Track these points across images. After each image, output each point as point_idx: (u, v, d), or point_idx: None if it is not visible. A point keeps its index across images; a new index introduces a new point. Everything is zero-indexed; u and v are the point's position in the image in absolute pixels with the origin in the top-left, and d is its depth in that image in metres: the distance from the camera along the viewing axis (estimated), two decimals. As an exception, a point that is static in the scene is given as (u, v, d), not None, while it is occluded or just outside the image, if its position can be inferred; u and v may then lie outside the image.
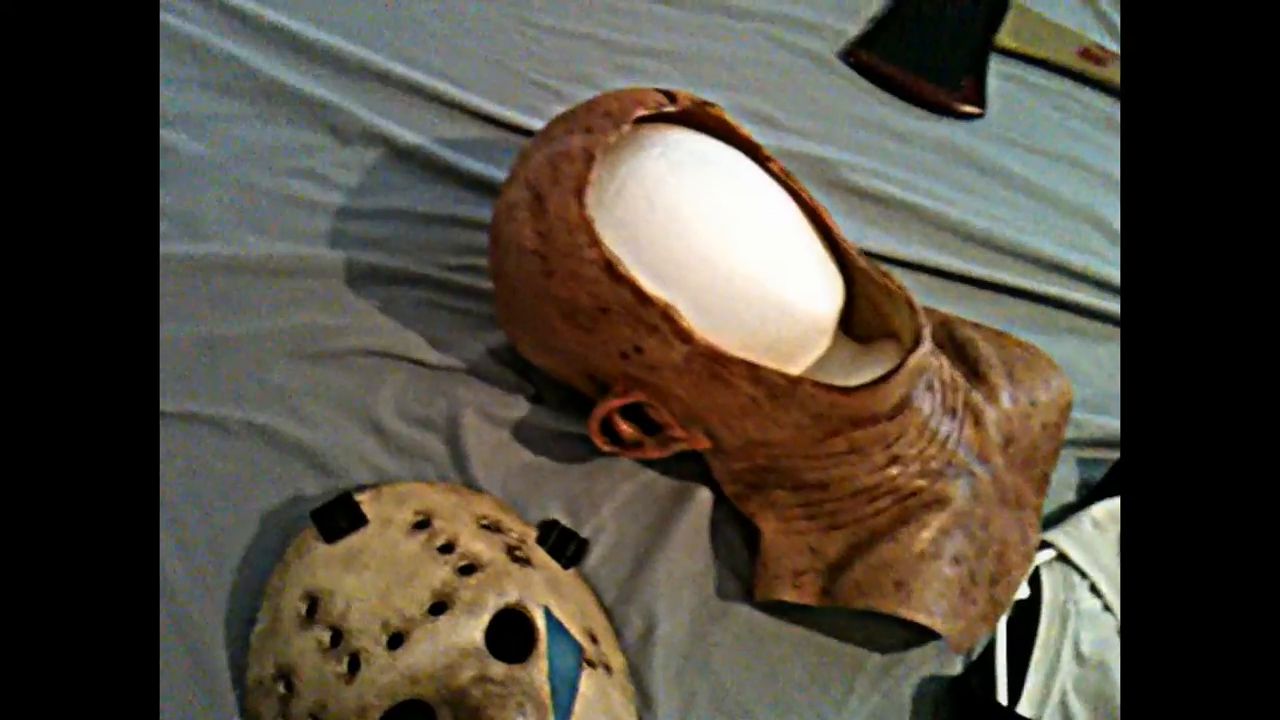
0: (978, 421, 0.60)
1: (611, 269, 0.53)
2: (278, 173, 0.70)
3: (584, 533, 0.60)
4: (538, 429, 0.63)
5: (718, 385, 0.54)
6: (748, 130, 0.60)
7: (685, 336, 0.53)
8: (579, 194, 0.53)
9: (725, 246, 0.55)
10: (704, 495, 0.62)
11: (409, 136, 0.72)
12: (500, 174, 0.71)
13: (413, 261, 0.67)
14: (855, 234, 0.74)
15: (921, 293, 0.72)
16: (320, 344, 0.64)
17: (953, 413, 0.59)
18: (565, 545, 0.58)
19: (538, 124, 0.75)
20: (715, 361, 0.54)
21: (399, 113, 0.74)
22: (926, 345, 0.55)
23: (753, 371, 0.54)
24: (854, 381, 0.59)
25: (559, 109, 0.76)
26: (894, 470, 0.57)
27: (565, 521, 0.60)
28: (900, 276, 0.73)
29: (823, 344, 0.59)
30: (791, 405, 0.54)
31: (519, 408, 0.63)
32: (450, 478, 0.60)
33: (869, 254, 0.73)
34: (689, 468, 0.62)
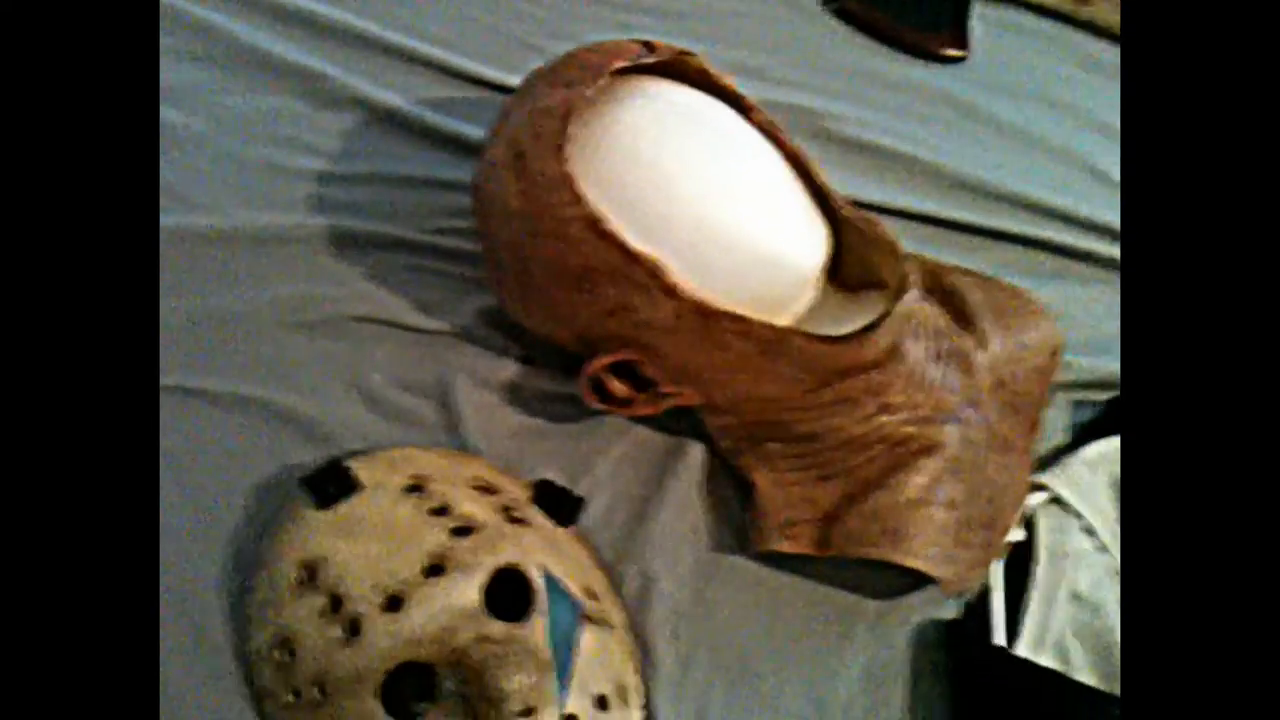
0: (966, 367, 0.60)
1: (595, 226, 0.52)
2: (260, 141, 0.69)
3: (579, 492, 0.60)
4: (529, 391, 0.63)
5: (707, 340, 0.54)
6: (730, 80, 0.59)
7: (673, 292, 0.53)
8: (559, 150, 0.53)
9: (709, 199, 0.54)
10: (697, 451, 0.62)
11: (390, 99, 0.72)
12: (476, 131, 0.71)
13: (398, 226, 0.67)
14: (842, 184, 0.73)
15: (909, 240, 0.72)
16: (309, 312, 0.63)
17: (941, 359, 0.59)
18: (560, 504, 0.58)
19: (512, 80, 0.74)
20: (704, 316, 0.53)
21: (379, 75, 0.73)
22: (913, 292, 0.55)
23: (741, 325, 0.53)
24: (842, 331, 0.59)
25: (534, 61, 0.76)
26: (884, 418, 0.57)
27: (560, 481, 0.60)
28: (888, 225, 0.72)
29: (810, 295, 0.58)
30: (780, 357, 0.54)
31: (510, 370, 0.63)
32: (443, 442, 0.60)
33: (857, 203, 0.73)
34: (681, 424, 0.62)
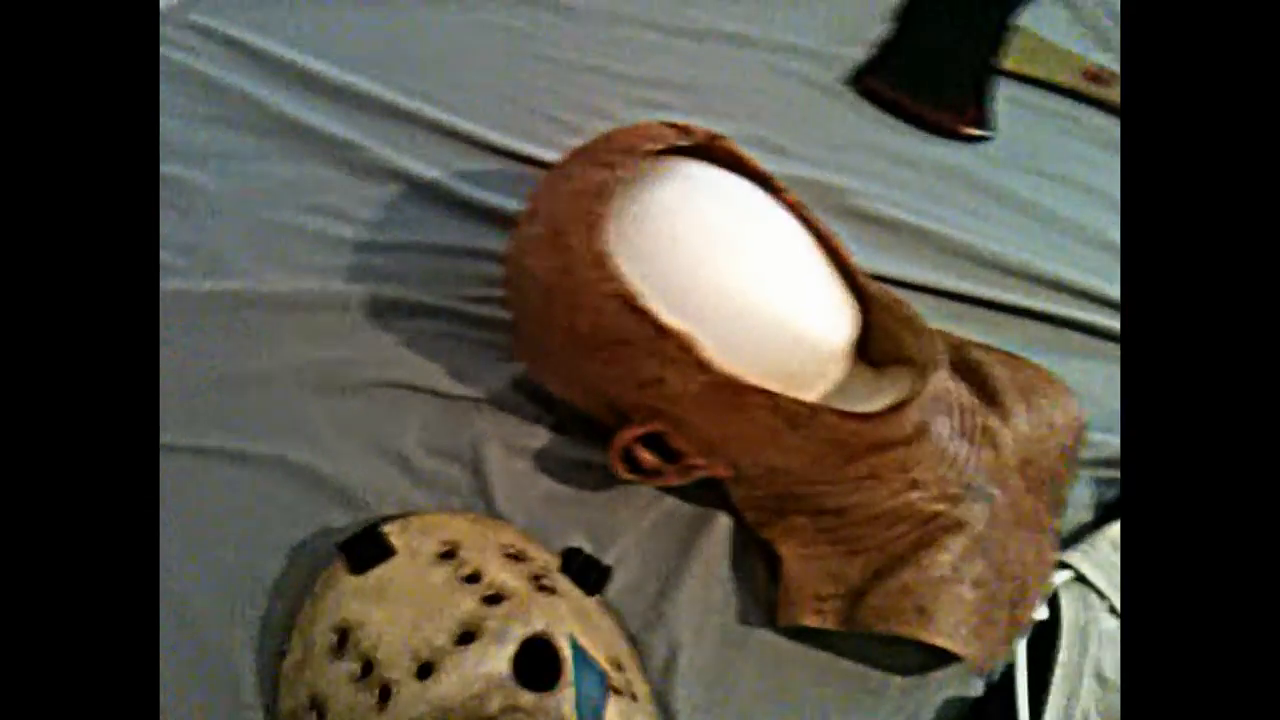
0: (994, 445, 0.61)
1: (630, 301, 0.54)
2: (297, 209, 0.71)
3: (607, 560, 0.61)
4: (560, 458, 0.63)
5: (737, 414, 0.55)
6: (759, 161, 0.61)
7: (704, 367, 0.54)
8: (596, 228, 0.54)
9: (741, 277, 0.56)
10: (724, 522, 0.62)
11: (425, 171, 0.74)
12: (515, 206, 0.73)
13: (432, 294, 0.68)
14: (866, 259, 0.75)
15: (932, 316, 0.73)
16: (343, 377, 0.65)
17: (969, 437, 0.60)
18: (589, 573, 0.59)
19: (551, 156, 0.76)
20: (734, 391, 0.54)
21: (414, 148, 0.75)
22: (943, 370, 0.56)
23: (771, 400, 0.54)
24: (871, 408, 0.60)
25: (572, 141, 0.78)
26: (913, 495, 0.58)
27: (588, 549, 0.61)
28: (911, 300, 0.73)
29: (839, 371, 0.59)
30: (811, 433, 0.55)
31: (541, 437, 0.64)
32: (475, 508, 0.61)
33: (880, 279, 0.74)
34: (709, 495, 0.63)
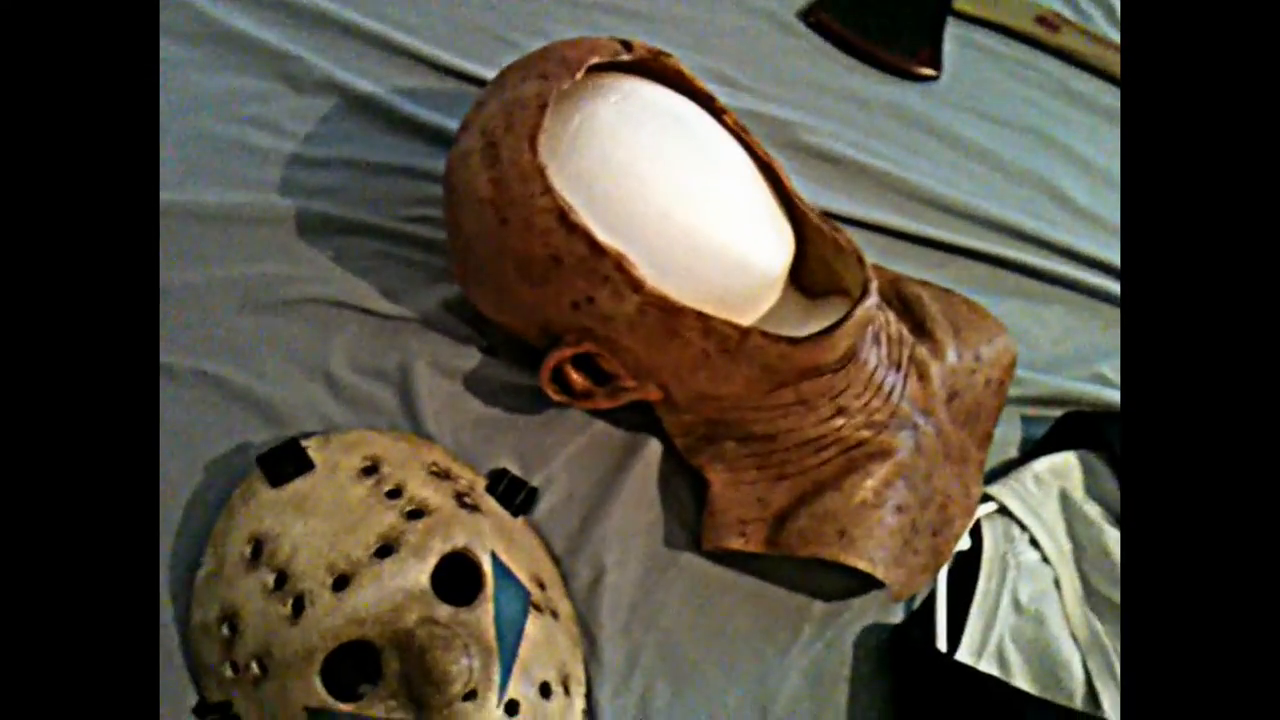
0: (922, 376, 0.61)
1: (564, 217, 0.53)
2: (231, 120, 0.69)
3: (534, 483, 0.60)
4: (490, 381, 0.63)
5: (669, 337, 0.55)
6: (701, 82, 0.60)
7: (637, 286, 0.54)
8: (532, 141, 0.53)
9: (678, 198, 0.55)
10: (654, 447, 0.62)
11: (365, 86, 0.72)
12: (449, 121, 0.71)
13: (367, 211, 0.67)
14: (810, 194, 0.74)
15: (872, 252, 0.73)
16: (273, 293, 0.63)
17: (898, 366, 0.60)
18: (515, 493, 0.58)
19: (488, 73, 0.75)
20: (667, 312, 0.54)
21: (355, 62, 0.73)
22: (873, 298, 0.56)
23: (704, 322, 0.54)
24: (803, 333, 0.60)
25: (508, 57, 0.76)
26: (839, 421, 0.58)
27: (516, 472, 0.60)
28: (852, 235, 0.73)
29: (772, 297, 0.59)
30: (741, 357, 0.55)
31: (472, 359, 0.63)
32: (402, 428, 0.61)
33: (823, 214, 0.73)
34: (640, 421, 0.62)
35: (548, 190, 0.53)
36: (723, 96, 0.78)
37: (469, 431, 0.61)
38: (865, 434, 0.58)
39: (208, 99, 0.70)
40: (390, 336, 0.63)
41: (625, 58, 0.57)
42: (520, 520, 0.58)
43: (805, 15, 0.84)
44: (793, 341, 0.54)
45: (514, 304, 0.57)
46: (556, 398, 0.58)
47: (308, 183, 0.68)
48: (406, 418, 0.61)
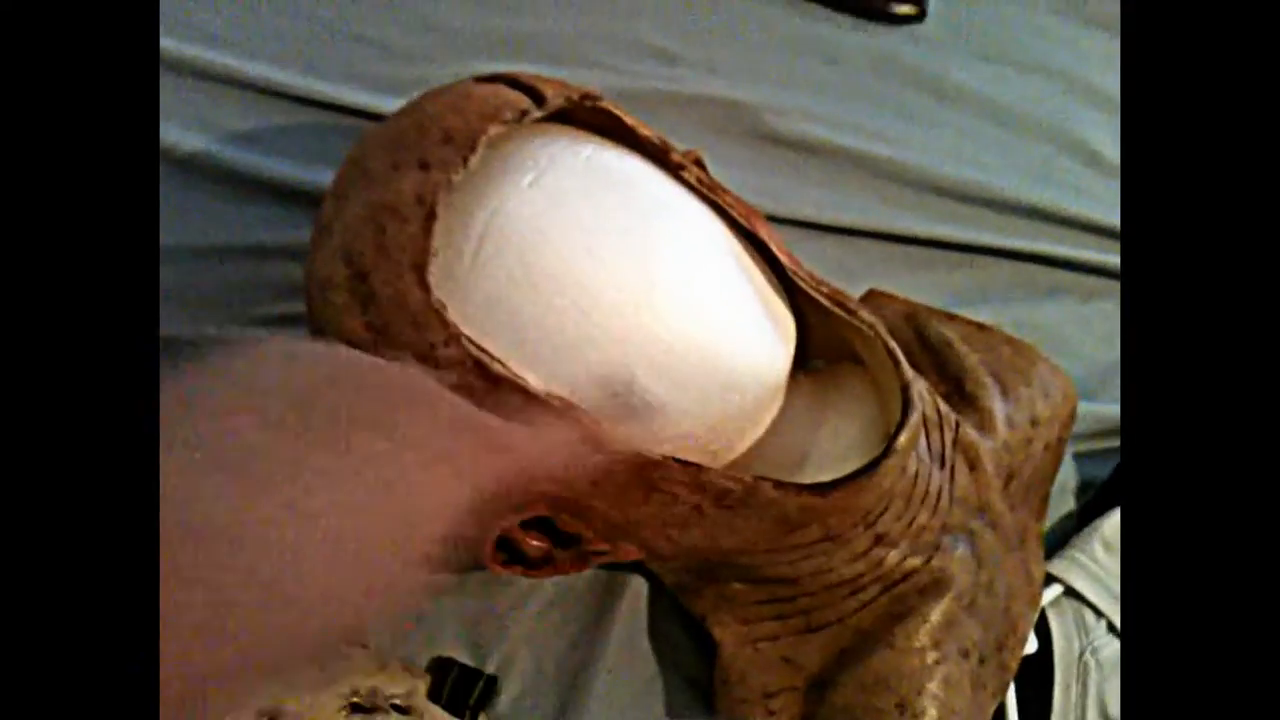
0: (973, 465, 0.48)
1: (483, 369, 0.37)
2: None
3: (490, 667, 0.47)
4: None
5: (647, 494, 0.41)
6: (647, 127, 0.43)
7: (596, 442, 0.39)
8: (419, 271, 0.37)
9: (635, 308, 0.40)
10: (637, 586, 0.50)
11: (188, 139, 0.54)
12: (318, 176, 0.54)
13: (215, 317, 0.51)
14: (787, 196, 0.60)
15: (871, 264, 0.60)
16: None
17: (942, 460, 0.47)
18: (467, 691, 0.46)
19: (362, 97, 0.57)
20: (641, 468, 0.40)
21: (169, 104, 0.55)
22: (918, 412, 0.41)
23: (693, 476, 0.40)
24: (819, 441, 0.46)
25: (386, 69, 0.58)
26: (879, 552, 0.45)
27: (464, 657, 0.47)
28: (841, 247, 0.59)
29: (776, 404, 0.45)
30: (746, 511, 0.41)
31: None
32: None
33: (804, 223, 0.60)
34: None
35: (452, 338, 0.37)
36: (665, 76, 0.62)
37: (398, 612, 0.47)
38: (913, 562, 0.45)
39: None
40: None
41: (537, 115, 0.40)
42: (479, 724, 0.45)
43: (754, -47, 0.66)
44: (817, 490, 0.40)
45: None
46: (505, 571, 0.44)
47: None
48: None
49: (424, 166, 0.38)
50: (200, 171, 0.54)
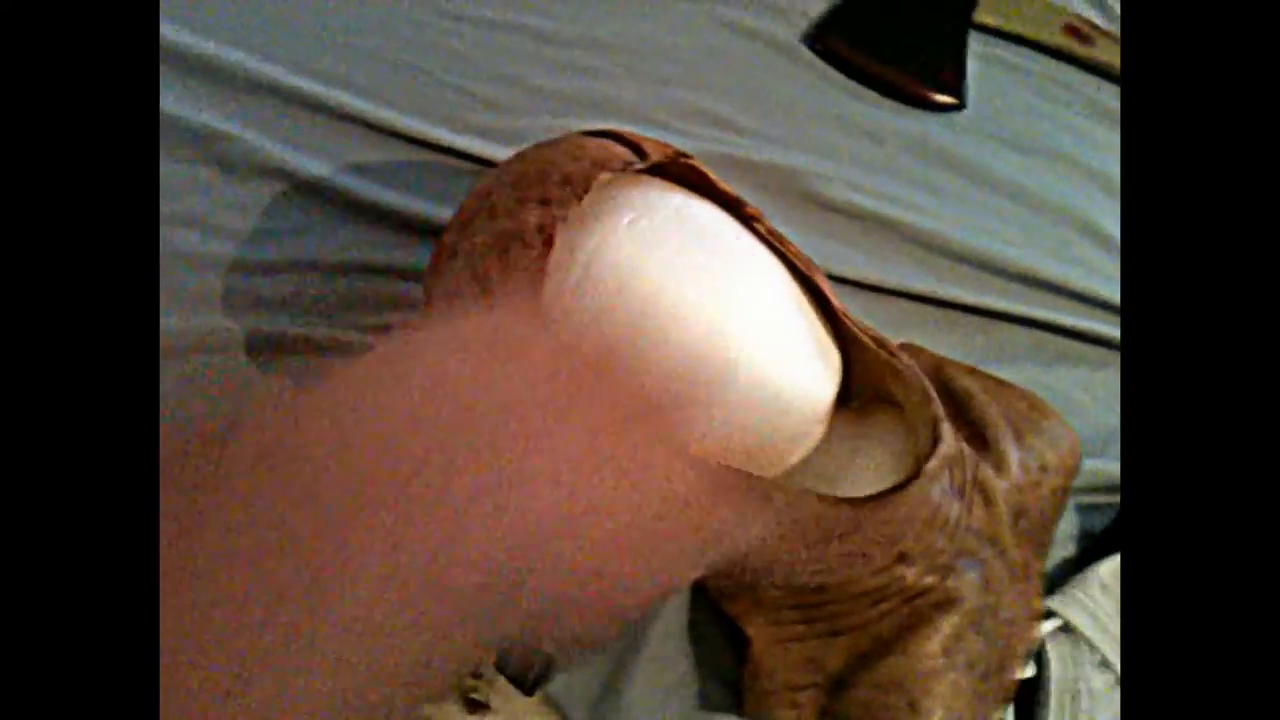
0: (988, 500, 0.54)
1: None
2: (165, 227, 0.58)
3: (545, 648, 0.52)
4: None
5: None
6: (727, 185, 0.51)
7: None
8: (535, 287, 0.44)
9: (709, 335, 0.46)
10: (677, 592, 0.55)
11: (314, 166, 0.61)
12: (426, 206, 0.61)
13: (327, 324, 0.57)
14: (832, 256, 0.66)
15: (904, 321, 0.65)
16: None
17: (961, 492, 0.53)
18: (527, 668, 0.51)
19: (461, 140, 0.64)
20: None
21: (299, 137, 0.62)
22: (946, 445, 0.48)
23: (747, 483, 0.46)
24: (856, 469, 0.52)
25: (489, 120, 0.66)
26: (900, 569, 0.51)
27: (523, 641, 0.52)
28: (876, 304, 0.65)
29: (819, 433, 0.51)
30: (789, 519, 0.47)
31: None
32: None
33: (843, 279, 0.65)
34: (664, 562, 0.55)
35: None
36: (723, 143, 0.69)
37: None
38: (929, 580, 0.51)
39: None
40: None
41: (639, 166, 0.47)
42: (536, 699, 0.51)
43: (811, 40, 0.74)
44: (854, 504, 0.46)
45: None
46: (572, 560, 0.50)
47: (253, 293, 0.57)
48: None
49: (545, 203, 0.45)
50: (321, 195, 0.61)
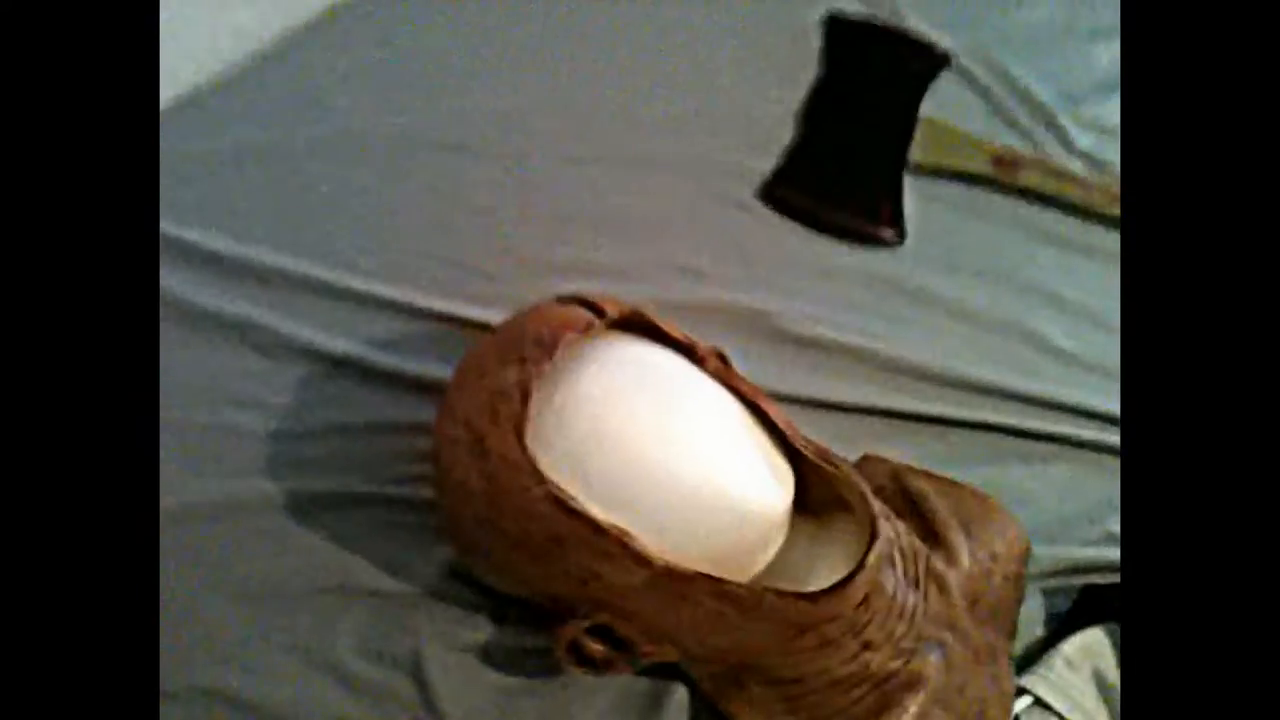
0: (941, 588, 0.60)
1: (561, 505, 0.52)
2: (210, 404, 0.68)
3: (563, 752, 0.59)
4: (504, 649, 0.61)
5: (681, 602, 0.54)
6: (677, 330, 0.60)
7: (643, 560, 0.53)
8: (519, 432, 0.52)
9: (673, 462, 0.54)
10: (681, 695, 0.61)
11: (339, 345, 0.71)
12: (439, 371, 0.70)
13: (358, 479, 0.66)
14: (797, 383, 0.73)
15: (863, 435, 0.72)
16: (273, 588, 0.62)
17: (916, 584, 0.59)
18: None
19: (459, 308, 0.74)
20: (677, 581, 0.53)
21: (324, 319, 0.73)
22: (882, 537, 0.55)
23: (716, 587, 0.53)
24: (817, 569, 0.59)
25: (494, 291, 0.75)
26: (867, 656, 0.57)
27: (543, 741, 0.59)
28: (841, 421, 0.73)
29: (780, 538, 0.58)
30: (757, 615, 0.54)
31: (482, 628, 0.62)
32: (419, 716, 0.59)
33: (812, 402, 0.73)
34: (663, 667, 0.61)
35: (541, 480, 0.52)
36: (693, 289, 0.78)
37: (489, 706, 0.60)
38: (894, 664, 0.57)
39: (179, 385, 0.69)
40: (397, 616, 0.62)
41: (599, 325, 0.57)
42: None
43: (764, 193, 0.84)
44: (809, 597, 0.53)
45: (519, 581, 0.56)
46: (577, 670, 0.57)
47: (293, 458, 0.66)
48: (422, 703, 0.59)
49: (521, 361, 0.54)
50: (347, 367, 0.71)
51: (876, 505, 0.56)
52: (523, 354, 0.54)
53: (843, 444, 0.71)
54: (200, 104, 0.83)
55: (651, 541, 0.54)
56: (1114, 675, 0.63)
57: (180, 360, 0.70)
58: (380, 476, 0.66)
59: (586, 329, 0.56)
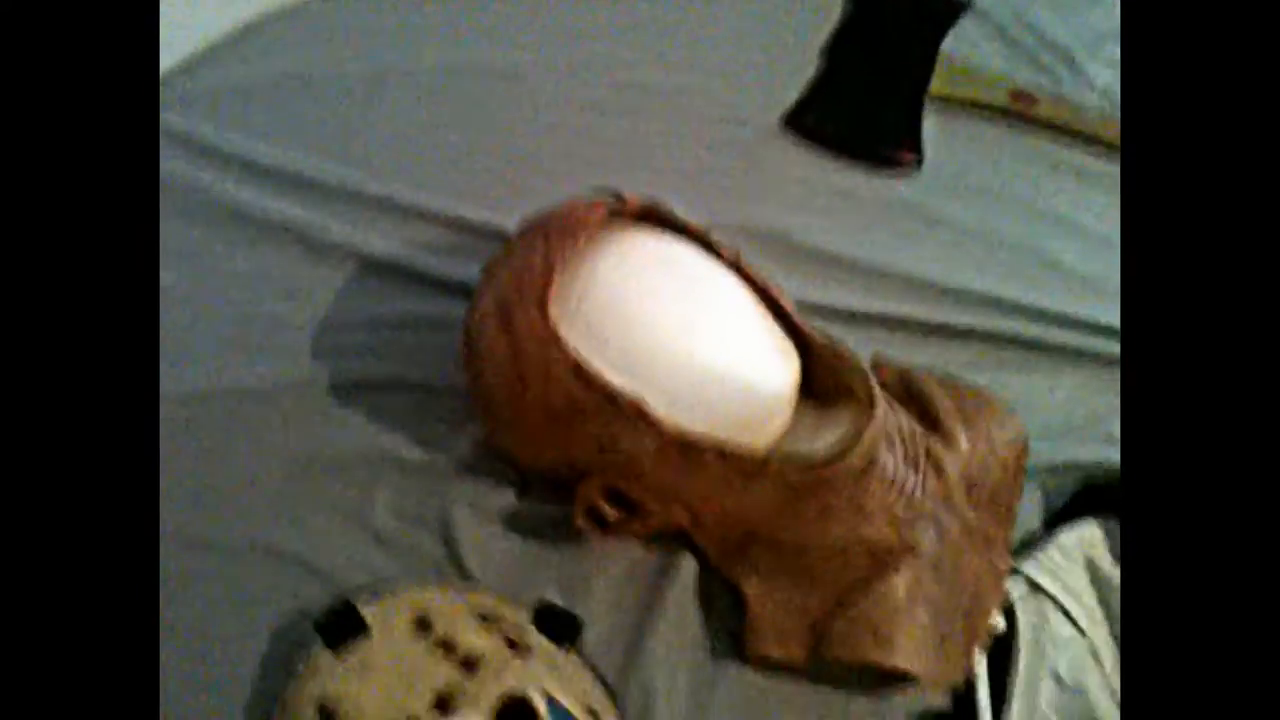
0: (939, 470, 0.64)
1: (580, 372, 0.56)
2: (257, 296, 0.74)
3: (579, 612, 0.63)
4: (527, 518, 0.66)
5: (691, 467, 0.58)
6: (695, 217, 0.64)
7: (655, 426, 0.57)
8: (543, 306, 0.57)
9: (683, 336, 0.58)
10: (690, 565, 0.65)
11: (382, 247, 0.77)
12: (470, 274, 0.75)
13: (396, 366, 0.71)
14: (810, 292, 0.77)
15: (875, 343, 0.75)
16: (317, 456, 0.67)
17: (915, 465, 0.63)
18: (560, 626, 0.61)
19: (499, 219, 0.79)
20: (687, 446, 0.57)
21: (370, 225, 0.79)
22: (880, 409, 0.58)
23: (722, 453, 0.57)
24: (819, 445, 0.63)
25: (520, 202, 0.79)
26: (864, 526, 0.60)
27: (559, 603, 0.63)
28: (853, 328, 0.76)
29: (785, 414, 0.62)
30: (762, 479, 0.58)
31: (508, 499, 0.66)
32: (446, 572, 0.64)
33: (823, 309, 0.76)
34: (674, 540, 0.65)
35: (562, 350, 0.57)
36: (715, 212, 0.81)
37: (511, 568, 0.64)
38: (890, 535, 0.61)
39: (232, 279, 0.75)
40: (430, 484, 0.67)
41: (621, 214, 0.61)
42: (569, 652, 0.61)
43: (789, 120, 0.88)
44: (810, 464, 0.57)
45: (541, 449, 0.61)
46: (592, 532, 0.61)
47: (337, 346, 0.72)
48: (450, 561, 0.64)
49: (547, 243, 0.59)
50: (386, 267, 0.76)
51: (876, 385, 0.60)
52: (548, 238, 0.59)
53: (855, 350, 0.74)
54: (259, 31, 0.90)
55: (664, 411, 0.58)
56: (1108, 565, 0.66)
57: (229, 258, 0.76)
58: (416, 365, 0.71)
59: (610, 217, 0.60)
